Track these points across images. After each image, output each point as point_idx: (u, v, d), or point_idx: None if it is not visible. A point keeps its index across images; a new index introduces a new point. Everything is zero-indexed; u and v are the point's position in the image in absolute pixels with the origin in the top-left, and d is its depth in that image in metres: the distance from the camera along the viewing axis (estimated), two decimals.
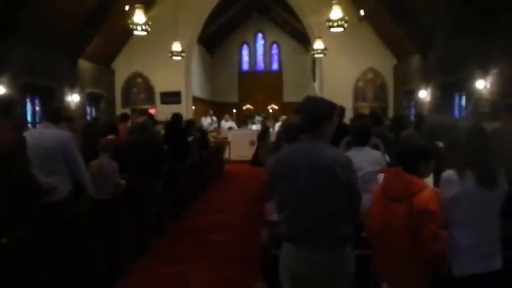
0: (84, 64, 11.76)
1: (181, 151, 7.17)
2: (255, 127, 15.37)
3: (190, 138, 7.91)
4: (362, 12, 12.03)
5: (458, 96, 9.99)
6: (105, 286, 4.25)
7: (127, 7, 10.23)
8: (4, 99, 3.25)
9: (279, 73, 23.67)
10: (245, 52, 24.14)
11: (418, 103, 11.51)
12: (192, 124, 8.96)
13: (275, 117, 17.04)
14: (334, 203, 2.27)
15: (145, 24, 8.67)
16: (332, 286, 2.31)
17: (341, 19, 9.23)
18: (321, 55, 12.31)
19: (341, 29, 9.47)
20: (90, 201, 4.05)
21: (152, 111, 12.60)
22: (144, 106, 13.58)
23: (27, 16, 8.18)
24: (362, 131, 3.93)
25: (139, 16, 8.66)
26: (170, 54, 11.69)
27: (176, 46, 11.63)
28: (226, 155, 14.24)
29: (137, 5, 8.84)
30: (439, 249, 2.22)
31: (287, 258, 2.38)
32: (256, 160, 13.24)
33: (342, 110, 5.59)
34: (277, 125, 15.00)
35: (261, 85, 22.93)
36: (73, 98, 11.04)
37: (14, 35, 8.29)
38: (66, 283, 3.57)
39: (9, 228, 2.87)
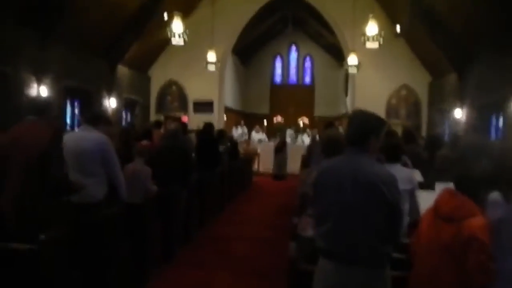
0: (122, 70, 12.12)
1: (212, 161, 7.24)
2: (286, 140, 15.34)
3: (221, 148, 7.98)
4: (398, 28, 11.91)
5: (495, 117, 9.71)
6: None
7: (165, 16, 10.52)
8: (41, 101, 3.39)
9: (311, 87, 23.62)
10: (278, 64, 24.25)
11: (452, 122, 11.25)
12: (224, 134, 9.04)
13: (304, 130, 17.02)
14: (377, 221, 2.21)
15: (183, 33, 8.88)
16: None
17: (377, 34, 9.19)
18: (354, 70, 12.23)
19: (376, 44, 9.42)
20: (122, 205, 4.14)
21: (184, 119, 12.82)
22: (177, 114, 13.85)
23: (68, 22, 8.54)
24: (394, 148, 3.88)
25: (177, 25, 8.89)
26: (205, 64, 11.89)
27: (211, 56, 11.83)
28: (255, 166, 14.27)
29: (175, 12, 9.04)
30: (487, 281, 2.13)
31: (322, 274, 2.33)
32: (278, 174, 13.22)
33: None
34: (305, 138, 14.98)
35: (292, 98, 22.94)
36: (110, 103, 11.38)
37: (56, 40, 8.66)
38: (96, 285, 3.64)
39: (46, 226, 2.97)
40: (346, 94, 17.28)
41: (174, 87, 14.34)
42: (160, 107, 14.39)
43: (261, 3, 13.73)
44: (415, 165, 4.55)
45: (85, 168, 3.66)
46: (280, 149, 13.28)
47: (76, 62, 9.70)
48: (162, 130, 7.09)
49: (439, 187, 3.45)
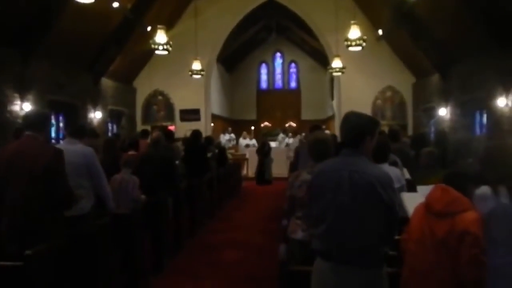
0: (106, 82, 12.07)
1: (200, 168, 7.23)
2: (274, 144, 15.39)
3: (208, 155, 7.97)
4: (380, 32, 12.08)
5: (479, 114, 9.88)
6: None
7: (149, 28, 10.52)
8: (38, 114, 3.33)
9: (297, 91, 23.78)
10: (263, 71, 24.38)
11: (437, 121, 11.40)
12: (211, 141, 9.04)
13: (292, 132, 17.15)
14: (374, 221, 2.22)
15: (166, 44, 8.90)
16: None
17: (359, 39, 9.30)
18: (339, 74, 12.35)
19: (359, 48, 9.54)
20: (111, 216, 4.11)
21: (171, 127, 12.78)
22: (164, 123, 13.80)
23: (52, 36, 8.50)
24: (381, 148, 3.91)
25: (160, 37, 8.90)
26: (190, 73, 11.92)
27: (196, 65, 11.85)
28: (244, 172, 14.27)
29: (159, 26, 9.09)
30: (479, 275, 2.15)
31: (319, 275, 2.33)
32: (262, 178, 13.18)
33: None
34: (291, 141, 15.03)
35: (279, 103, 23.07)
36: (96, 115, 11.31)
37: (40, 54, 8.61)
38: None
39: (47, 239, 2.95)
40: (332, 98, 17.42)
41: (160, 97, 14.32)
42: (147, 117, 14.35)
43: (243, 13, 13.87)
44: (403, 163, 4.60)
45: (72, 181, 3.62)
46: (266, 153, 13.24)
47: (60, 76, 9.64)
48: (148, 140, 7.06)
49: (421, 189, 3.49)
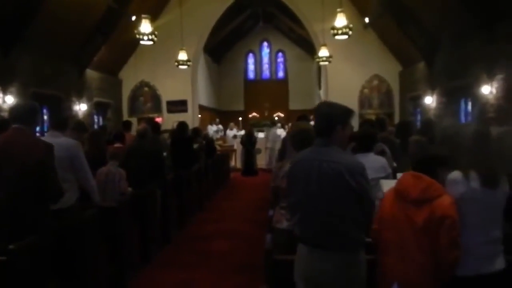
0: (91, 74, 11.91)
1: (187, 160, 7.21)
2: (262, 135, 15.37)
3: (195, 146, 7.94)
4: (367, 20, 12.08)
5: (464, 101, 9.97)
6: None
7: (133, 18, 10.37)
8: (28, 107, 3.24)
9: (284, 81, 23.75)
10: (250, 60, 24.28)
11: (424, 109, 11.49)
12: (198, 132, 9.00)
13: (279, 123, 17.11)
14: (344, 208, 2.29)
15: (151, 34, 8.79)
16: None
17: (345, 27, 9.28)
18: (326, 63, 12.35)
19: (345, 36, 9.52)
20: (97, 208, 4.08)
21: (158, 119, 12.69)
22: (151, 115, 13.69)
23: (35, 27, 8.33)
24: (366, 137, 3.93)
25: (145, 26, 8.78)
26: (176, 63, 11.79)
27: (182, 55, 11.74)
28: (232, 163, 14.27)
29: (143, 16, 8.96)
30: (458, 255, 2.23)
31: (300, 259, 2.43)
32: (249, 169, 13.15)
33: None
34: (279, 132, 15.04)
35: (267, 93, 23.01)
36: (81, 107, 11.17)
37: (22, 46, 8.44)
38: None
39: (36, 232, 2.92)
40: (320, 87, 17.44)
41: (146, 88, 14.18)
42: (133, 109, 14.21)
43: (229, 2, 13.74)
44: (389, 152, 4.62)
45: None
46: (247, 141, 13.20)
47: (44, 68, 9.47)
48: (133, 132, 7.01)
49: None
